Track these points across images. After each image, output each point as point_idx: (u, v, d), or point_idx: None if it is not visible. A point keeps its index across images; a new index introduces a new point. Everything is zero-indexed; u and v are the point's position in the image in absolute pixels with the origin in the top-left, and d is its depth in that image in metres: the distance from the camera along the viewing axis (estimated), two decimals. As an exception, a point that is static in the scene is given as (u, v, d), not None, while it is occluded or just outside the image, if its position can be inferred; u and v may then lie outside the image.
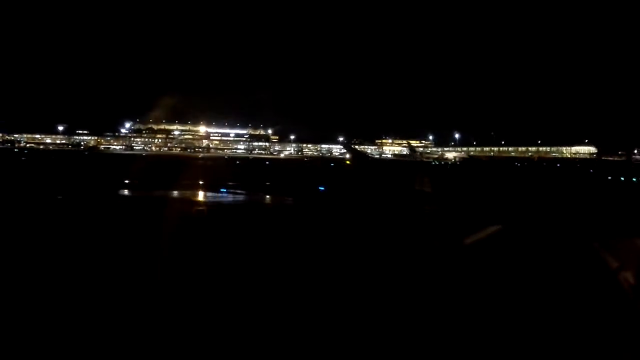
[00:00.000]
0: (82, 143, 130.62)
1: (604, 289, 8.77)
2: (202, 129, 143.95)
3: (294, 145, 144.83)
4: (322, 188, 28.31)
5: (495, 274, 9.98)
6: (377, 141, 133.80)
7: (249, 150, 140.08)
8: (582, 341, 6.86)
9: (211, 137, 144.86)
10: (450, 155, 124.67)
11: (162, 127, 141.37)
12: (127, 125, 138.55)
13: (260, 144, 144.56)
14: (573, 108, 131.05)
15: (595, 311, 7.96)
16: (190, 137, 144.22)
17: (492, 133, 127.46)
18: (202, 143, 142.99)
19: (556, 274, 10.19)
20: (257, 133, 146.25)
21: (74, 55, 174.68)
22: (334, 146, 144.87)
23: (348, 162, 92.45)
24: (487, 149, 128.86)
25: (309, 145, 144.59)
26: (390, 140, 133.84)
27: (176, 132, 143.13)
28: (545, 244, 13.23)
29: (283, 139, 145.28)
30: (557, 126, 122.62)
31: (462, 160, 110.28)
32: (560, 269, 10.60)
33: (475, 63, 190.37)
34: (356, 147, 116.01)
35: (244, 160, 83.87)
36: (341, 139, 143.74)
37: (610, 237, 12.11)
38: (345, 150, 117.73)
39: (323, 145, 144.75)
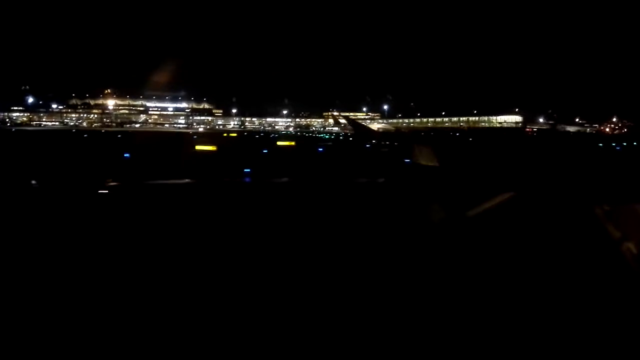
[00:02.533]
0: (7, 120, 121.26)
1: (606, 261, 8.96)
2: (141, 103, 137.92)
3: (236, 119, 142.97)
4: None
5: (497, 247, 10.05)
6: (324, 114, 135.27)
7: (189, 124, 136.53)
8: (585, 310, 6.83)
9: (150, 112, 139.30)
10: (375, 126, 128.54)
11: (99, 101, 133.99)
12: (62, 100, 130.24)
13: (202, 118, 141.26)
14: (505, 77, 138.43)
15: (598, 282, 8.02)
16: (127, 111, 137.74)
17: (412, 104, 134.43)
18: (140, 118, 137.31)
19: (557, 246, 10.16)
20: (201, 107, 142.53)
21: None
22: (278, 119, 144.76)
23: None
24: (425, 119, 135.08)
25: (253, 119, 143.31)
26: (337, 113, 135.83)
27: (111, 107, 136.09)
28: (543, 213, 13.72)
29: (226, 113, 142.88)
30: (491, 95, 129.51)
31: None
32: (560, 239, 10.66)
33: (419, 36, 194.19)
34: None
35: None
36: (285, 112, 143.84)
37: (611, 204, 12.12)
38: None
39: (268, 119, 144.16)
